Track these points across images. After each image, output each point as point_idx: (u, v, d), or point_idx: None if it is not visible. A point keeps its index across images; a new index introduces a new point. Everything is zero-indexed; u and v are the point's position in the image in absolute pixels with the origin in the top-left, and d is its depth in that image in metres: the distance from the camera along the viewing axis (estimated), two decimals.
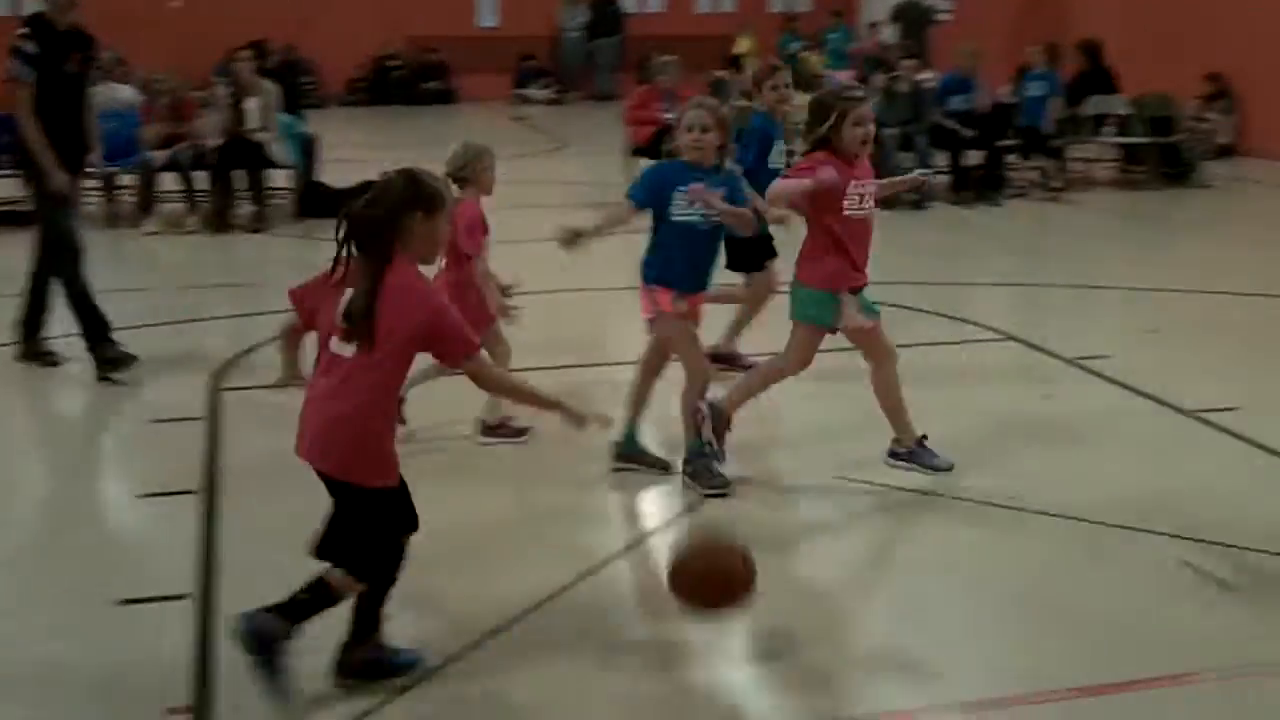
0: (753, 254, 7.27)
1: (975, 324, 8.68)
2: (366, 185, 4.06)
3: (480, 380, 4.23)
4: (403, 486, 4.12)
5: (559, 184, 14.50)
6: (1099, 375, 7.43)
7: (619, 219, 5.80)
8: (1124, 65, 15.14)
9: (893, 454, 5.92)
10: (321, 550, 4.08)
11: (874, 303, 5.85)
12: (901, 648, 4.48)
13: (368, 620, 4.18)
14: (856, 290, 5.71)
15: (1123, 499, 5.58)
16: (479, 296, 6.09)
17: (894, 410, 5.88)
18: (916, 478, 5.81)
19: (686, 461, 5.85)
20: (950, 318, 8.81)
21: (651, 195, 5.75)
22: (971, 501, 5.63)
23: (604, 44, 24.62)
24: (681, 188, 5.66)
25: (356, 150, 15.52)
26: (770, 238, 7.27)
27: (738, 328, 7.53)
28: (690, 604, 4.23)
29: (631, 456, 6.01)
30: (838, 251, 5.62)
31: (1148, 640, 4.48)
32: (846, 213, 5.59)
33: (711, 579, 4.18)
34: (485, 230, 6.22)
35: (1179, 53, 16.75)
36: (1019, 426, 6.60)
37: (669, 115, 11.12)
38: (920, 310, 8.83)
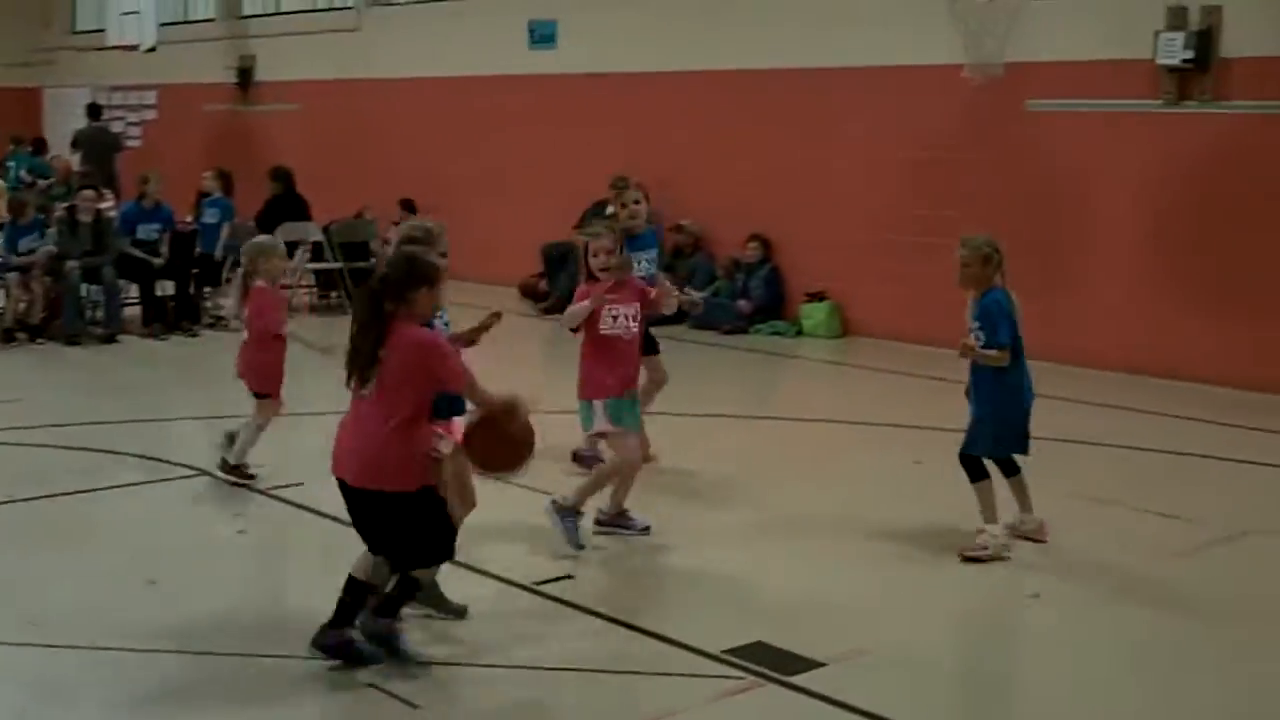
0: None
1: (171, 462, 8.60)
2: None
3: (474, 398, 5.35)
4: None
5: None
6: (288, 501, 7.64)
7: None
8: (317, 192, 15.72)
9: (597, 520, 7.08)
10: (387, 556, 5.33)
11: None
12: None
13: (393, 603, 5.38)
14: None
15: None
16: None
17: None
18: None
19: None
20: (146, 458, 8.66)
21: None
22: None
23: None
24: None
25: None
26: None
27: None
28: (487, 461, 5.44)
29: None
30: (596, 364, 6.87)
31: None
32: (603, 331, 6.83)
33: (500, 443, 5.33)
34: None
35: (368, 180, 17.66)
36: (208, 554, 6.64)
37: None
38: (116, 452, 8.65)
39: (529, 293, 15.95)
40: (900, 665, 5.59)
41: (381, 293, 5.20)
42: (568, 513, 6.81)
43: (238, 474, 7.98)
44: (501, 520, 6.94)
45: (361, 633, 5.35)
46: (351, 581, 5.40)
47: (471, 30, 17.17)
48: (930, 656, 5.77)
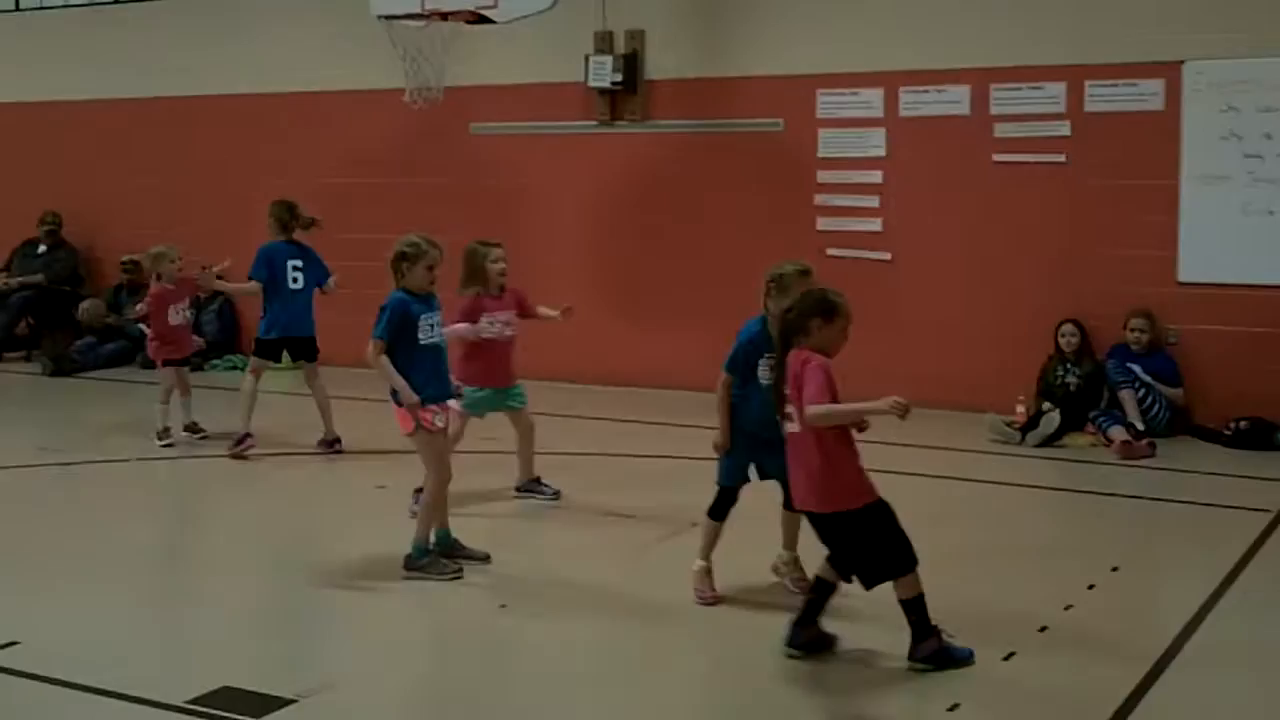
0: None
1: None
2: None
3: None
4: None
5: None
6: None
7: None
8: None
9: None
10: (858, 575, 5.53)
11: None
12: None
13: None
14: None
15: None
16: None
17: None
18: None
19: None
20: None
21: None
22: None
23: None
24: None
25: None
26: None
27: None
28: None
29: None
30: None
31: None
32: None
33: None
34: None
35: None
36: None
37: None
38: None
39: None
40: (372, 694, 5.47)
41: (788, 329, 5.59)
42: None
43: None
44: None
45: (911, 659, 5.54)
46: (819, 581, 5.67)
47: None
48: (401, 682, 5.68)
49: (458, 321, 7.93)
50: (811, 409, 5.40)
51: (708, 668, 5.90)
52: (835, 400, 5.43)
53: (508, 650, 6.06)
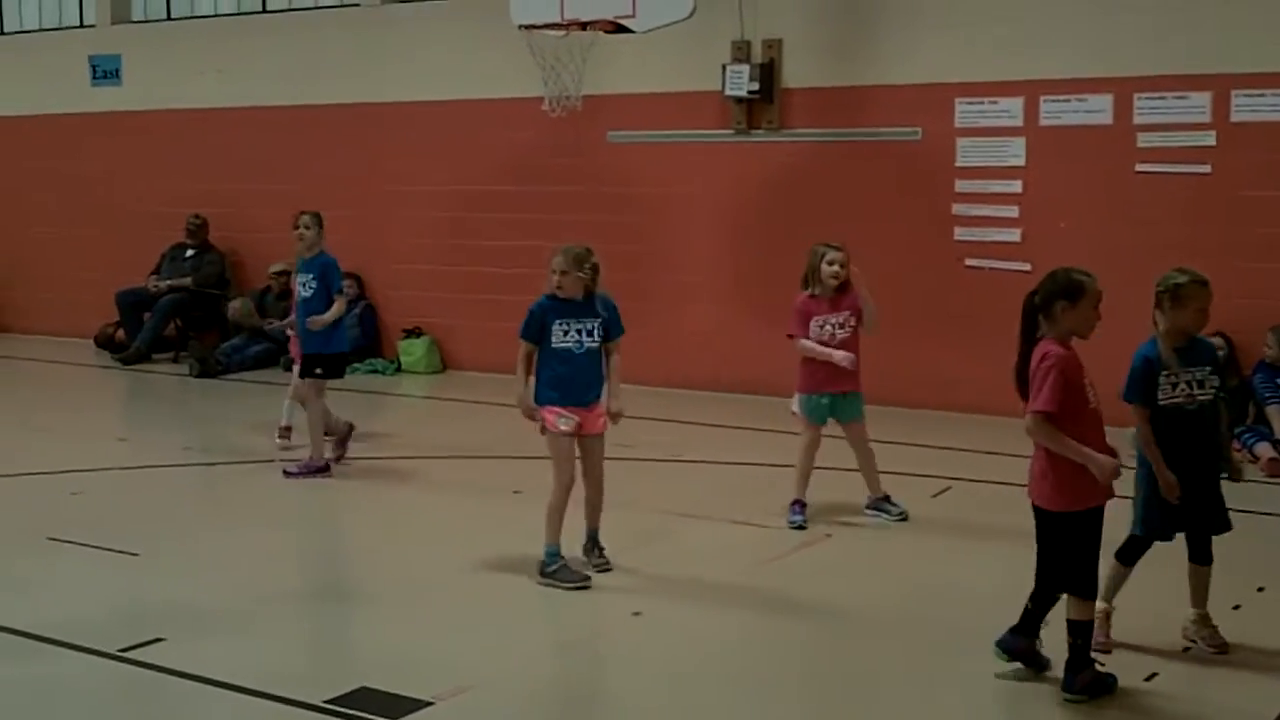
0: None
1: None
2: None
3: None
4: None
5: None
6: None
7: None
8: None
9: None
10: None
11: None
12: None
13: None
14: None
15: None
16: None
17: None
18: None
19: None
20: None
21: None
22: None
23: None
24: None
25: None
26: None
27: None
28: None
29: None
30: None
31: None
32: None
33: None
34: None
35: None
36: None
37: None
38: None
39: (105, 343, 15.15)
40: (505, 696, 5.54)
41: (1033, 310, 5.38)
42: None
43: None
44: None
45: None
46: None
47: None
48: (535, 686, 5.74)
49: (796, 322, 7.99)
50: (1032, 424, 5.30)
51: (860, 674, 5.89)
52: (1065, 399, 5.26)
53: (640, 655, 6.09)
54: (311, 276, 9.43)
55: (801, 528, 7.87)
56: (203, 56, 14.95)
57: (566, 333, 6.97)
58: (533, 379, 7.04)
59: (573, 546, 7.05)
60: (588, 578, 6.91)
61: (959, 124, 11.32)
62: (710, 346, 12.21)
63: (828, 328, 7.96)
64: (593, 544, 7.17)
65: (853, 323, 7.97)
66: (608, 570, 7.09)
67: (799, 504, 8.00)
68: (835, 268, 7.92)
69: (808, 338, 7.97)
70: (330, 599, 6.97)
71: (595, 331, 7.02)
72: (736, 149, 12.19)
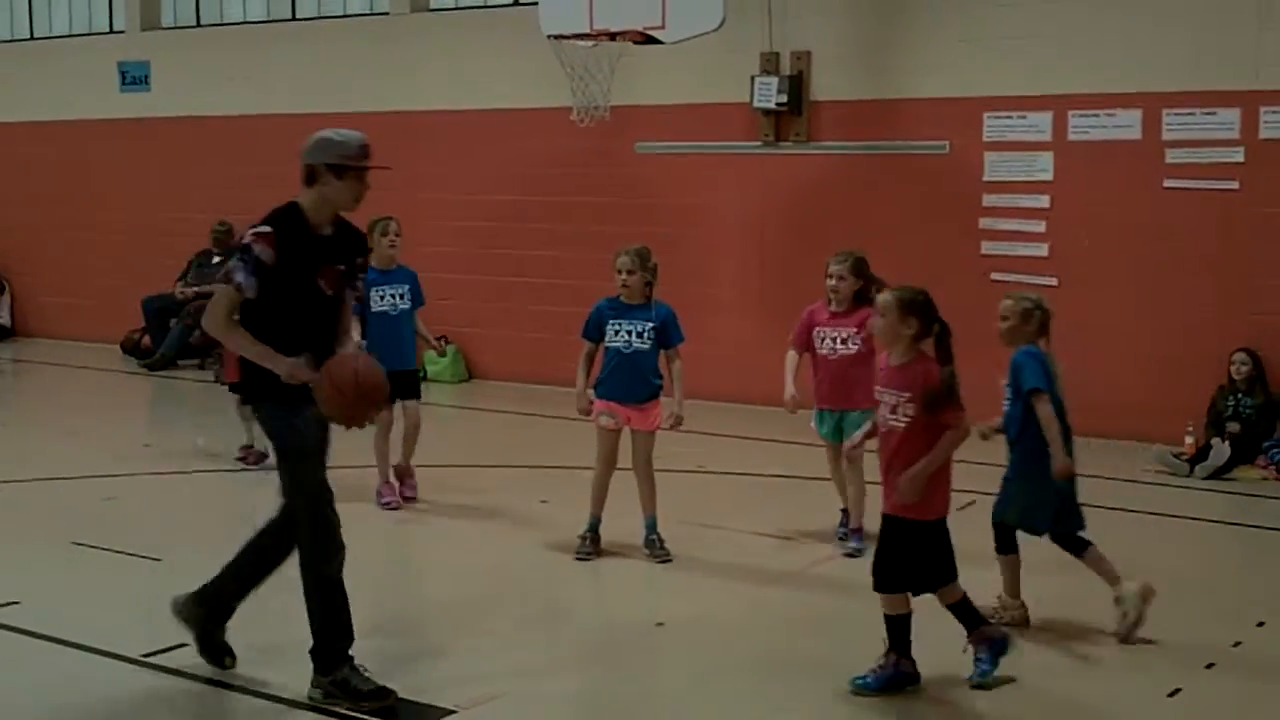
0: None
1: None
2: None
3: None
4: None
5: None
6: None
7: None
8: None
9: None
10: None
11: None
12: None
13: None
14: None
15: None
16: None
17: None
18: None
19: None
20: None
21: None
22: None
23: None
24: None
25: None
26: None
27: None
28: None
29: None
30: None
31: None
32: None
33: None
34: None
35: None
36: None
37: None
38: None
39: (131, 349, 15.22)
40: (530, 706, 5.55)
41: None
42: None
43: None
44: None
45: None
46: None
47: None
48: (559, 696, 5.75)
49: (795, 330, 7.80)
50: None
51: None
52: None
53: (663, 665, 6.10)
54: (406, 288, 8.93)
55: (844, 539, 7.74)
56: (231, 63, 15.04)
57: (618, 333, 7.43)
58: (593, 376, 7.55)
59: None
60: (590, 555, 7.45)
61: (987, 138, 11.32)
62: (737, 358, 12.20)
63: (827, 341, 7.62)
64: (651, 534, 7.52)
65: (857, 340, 7.46)
66: (667, 561, 7.42)
67: (843, 511, 7.82)
68: (833, 281, 7.57)
69: (805, 349, 7.72)
70: (352, 606, 6.98)
71: (646, 334, 7.42)
72: (764, 161, 12.21)
